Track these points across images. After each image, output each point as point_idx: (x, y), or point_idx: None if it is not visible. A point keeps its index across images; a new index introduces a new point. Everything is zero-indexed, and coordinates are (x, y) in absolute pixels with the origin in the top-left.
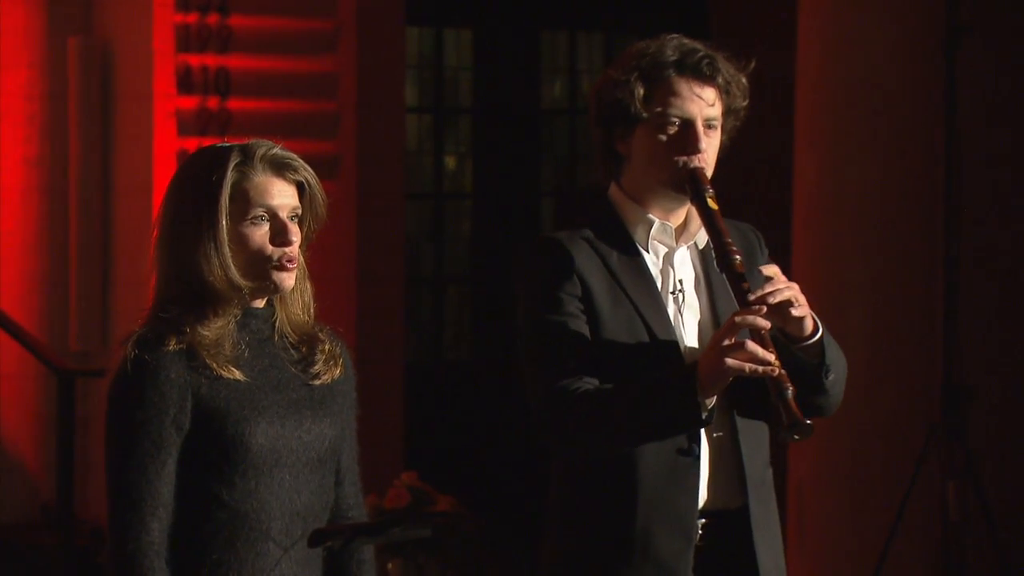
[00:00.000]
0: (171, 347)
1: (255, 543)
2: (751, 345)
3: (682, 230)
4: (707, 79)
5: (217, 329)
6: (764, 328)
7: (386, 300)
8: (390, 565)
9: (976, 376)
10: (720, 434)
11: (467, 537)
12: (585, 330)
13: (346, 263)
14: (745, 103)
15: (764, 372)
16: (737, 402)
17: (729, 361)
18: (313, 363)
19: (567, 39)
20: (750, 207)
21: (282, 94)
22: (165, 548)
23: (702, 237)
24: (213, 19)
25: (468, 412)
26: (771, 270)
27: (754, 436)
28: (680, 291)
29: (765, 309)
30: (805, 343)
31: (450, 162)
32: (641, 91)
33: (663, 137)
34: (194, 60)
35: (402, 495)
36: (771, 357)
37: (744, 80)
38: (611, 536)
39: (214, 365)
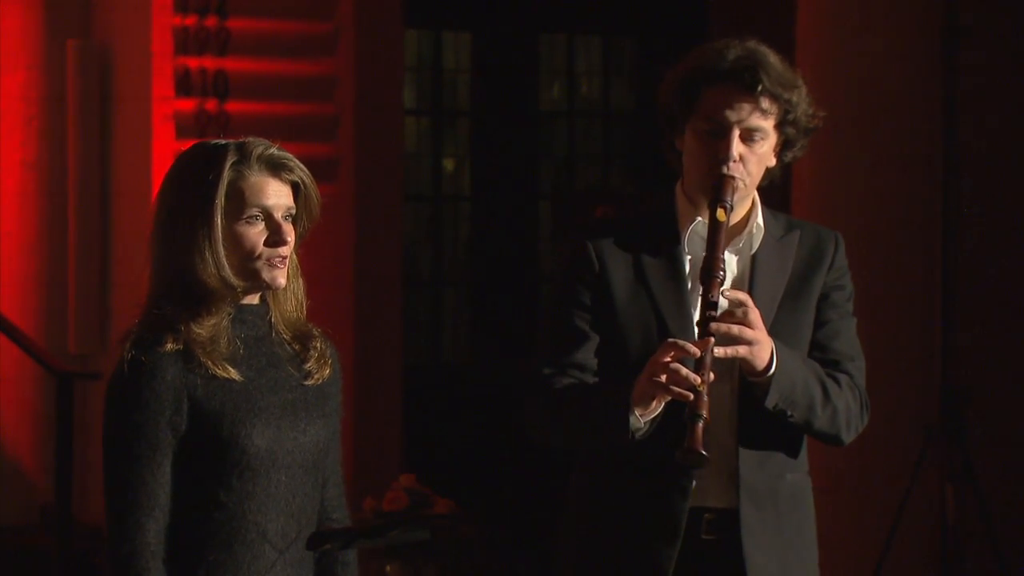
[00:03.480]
0: (167, 348)
1: (252, 544)
2: (675, 366)
3: (732, 234)
4: (748, 88)
5: (211, 327)
6: (693, 355)
7: (384, 302)
8: (388, 568)
9: (974, 379)
10: (723, 441)
11: (465, 540)
12: (590, 326)
13: (344, 265)
14: (806, 112)
15: (680, 396)
16: (746, 414)
17: (655, 381)
18: (306, 360)
19: (566, 42)
20: None
21: (280, 96)
22: (162, 549)
23: (754, 243)
24: (211, 21)
25: (466, 415)
26: (737, 296)
27: (762, 445)
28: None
29: (711, 340)
30: (757, 378)
31: (448, 165)
32: (686, 95)
33: (701, 142)
34: (192, 62)
35: (400, 498)
36: (694, 380)
37: (804, 92)
38: (599, 531)
39: (210, 364)
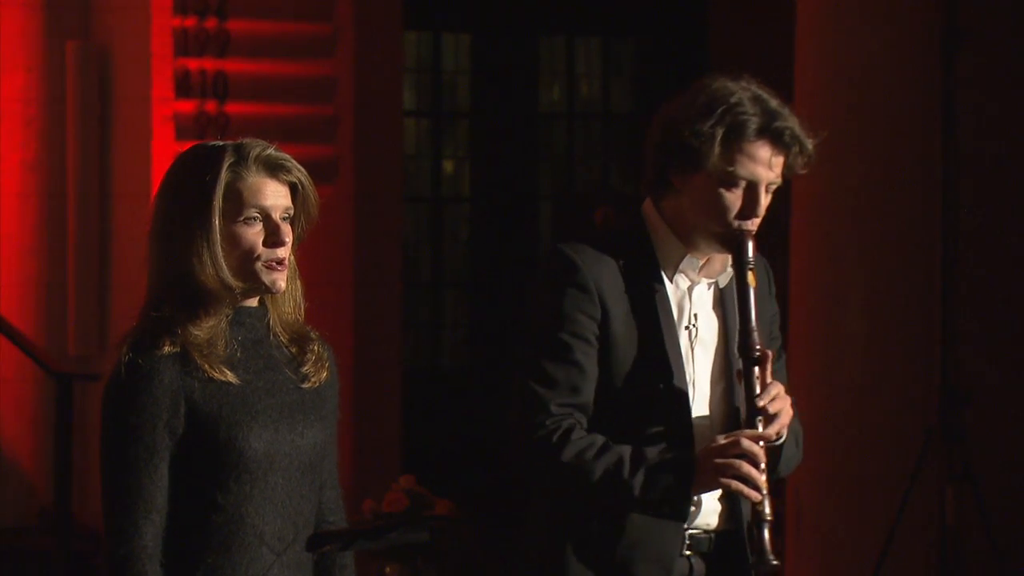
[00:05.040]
0: (165, 350)
1: (249, 547)
2: (747, 468)
3: (705, 266)
4: (784, 148)
5: (209, 328)
6: (762, 459)
7: (384, 304)
8: (388, 569)
9: (974, 379)
10: None
11: (465, 541)
12: (592, 357)
13: (344, 267)
14: (803, 172)
15: (750, 496)
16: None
17: (723, 480)
18: (303, 363)
19: (565, 44)
20: None
21: (280, 98)
22: (159, 552)
23: (724, 278)
24: (211, 23)
25: (466, 416)
26: (777, 388)
27: None
28: (694, 326)
29: (771, 432)
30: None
31: (448, 166)
32: (719, 147)
33: (725, 194)
34: (192, 64)
35: (400, 499)
36: (762, 483)
37: (811, 149)
38: (591, 562)
39: (207, 367)
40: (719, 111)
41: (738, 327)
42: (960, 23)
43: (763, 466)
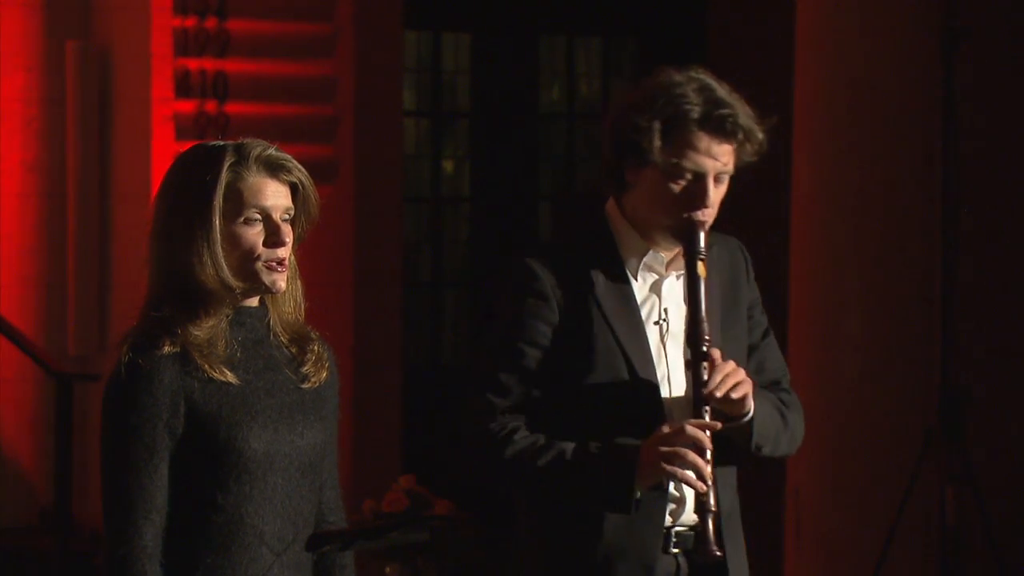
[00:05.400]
0: (165, 350)
1: (249, 547)
2: (692, 457)
3: (674, 260)
4: (727, 136)
5: (209, 328)
6: (705, 444)
7: (384, 304)
8: (388, 569)
9: (974, 379)
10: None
11: (465, 541)
12: (545, 362)
13: (344, 267)
14: (755, 159)
15: (694, 486)
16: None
17: (668, 469)
18: (303, 363)
19: (565, 43)
20: (748, 211)
21: (280, 98)
22: (159, 552)
23: None
24: (211, 23)
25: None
26: (725, 370)
27: (724, 471)
28: (665, 320)
29: (718, 424)
30: (736, 422)
31: (448, 166)
32: (659, 140)
33: (673, 187)
34: (192, 64)
35: (400, 499)
36: (707, 472)
37: (761, 135)
38: (573, 567)
39: (207, 367)
40: (660, 103)
41: (687, 316)
42: (960, 24)
43: (708, 455)
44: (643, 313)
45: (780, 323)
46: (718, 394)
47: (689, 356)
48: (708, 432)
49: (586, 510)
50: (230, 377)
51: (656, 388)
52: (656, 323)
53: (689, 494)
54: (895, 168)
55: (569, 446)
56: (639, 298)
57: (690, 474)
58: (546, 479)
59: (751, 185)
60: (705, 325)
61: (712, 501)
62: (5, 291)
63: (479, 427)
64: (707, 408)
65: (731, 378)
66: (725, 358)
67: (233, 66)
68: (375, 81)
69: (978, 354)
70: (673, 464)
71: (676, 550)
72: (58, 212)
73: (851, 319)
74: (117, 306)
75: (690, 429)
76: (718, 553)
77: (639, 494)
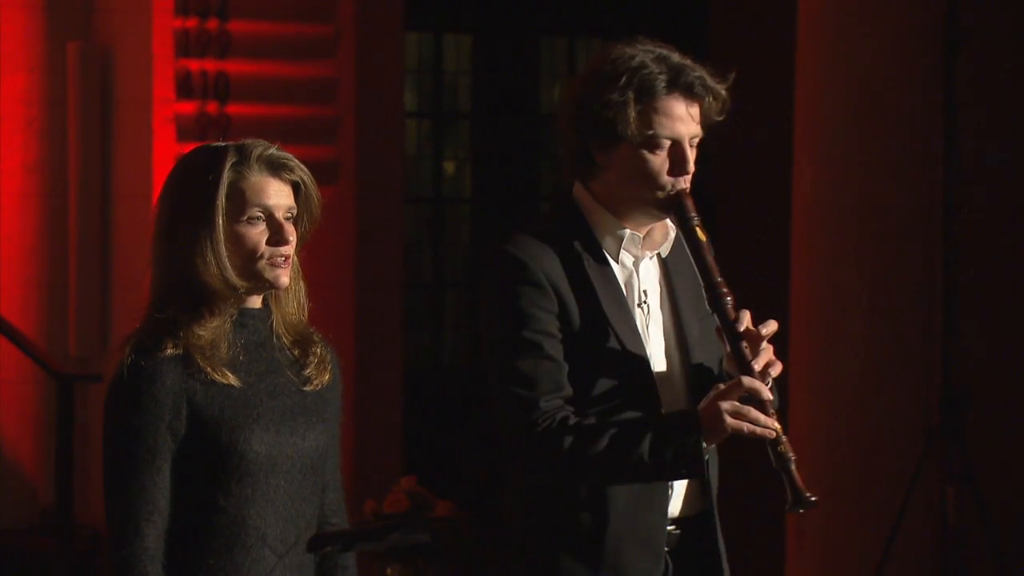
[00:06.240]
0: (167, 352)
1: (251, 549)
2: (755, 413)
3: (647, 239)
4: (697, 98)
5: (213, 329)
6: (769, 399)
7: (385, 305)
8: (389, 570)
9: (974, 379)
10: None
11: (466, 542)
12: (560, 350)
13: (345, 268)
14: (721, 119)
15: (764, 435)
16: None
17: (732, 423)
18: (306, 365)
19: (566, 45)
20: (748, 212)
21: (281, 99)
22: (161, 553)
23: (666, 247)
24: (213, 24)
25: (467, 417)
26: (771, 327)
27: (713, 451)
28: (645, 303)
29: (769, 378)
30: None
31: (449, 167)
32: (633, 112)
33: (652, 158)
34: (194, 65)
35: (401, 500)
36: (774, 424)
37: (725, 94)
38: (582, 555)
39: (209, 369)
40: (625, 77)
41: (703, 284)
42: (961, 25)
43: (771, 409)
44: (625, 295)
45: (781, 323)
46: (772, 372)
47: (718, 323)
48: (767, 383)
49: (652, 481)
50: (232, 380)
51: (649, 370)
52: (638, 305)
53: (679, 490)
54: (895, 168)
55: (623, 422)
56: (620, 280)
57: (754, 427)
58: (613, 459)
59: (752, 188)
60: (722, 287)
61: (790, 451)
62: (6, 292)
63: (523, 426)
64: (745, 344)
65: (766, 355)
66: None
67: (234, 67)
68: (376, 82)
69: (979, 354)
70: (737, 418)
71: (666, 548)
72: (59, 213)
73: (851, 319)
74: (118, 307)
75: (747, 380)
76: (813, 499)
77: (707, 456)
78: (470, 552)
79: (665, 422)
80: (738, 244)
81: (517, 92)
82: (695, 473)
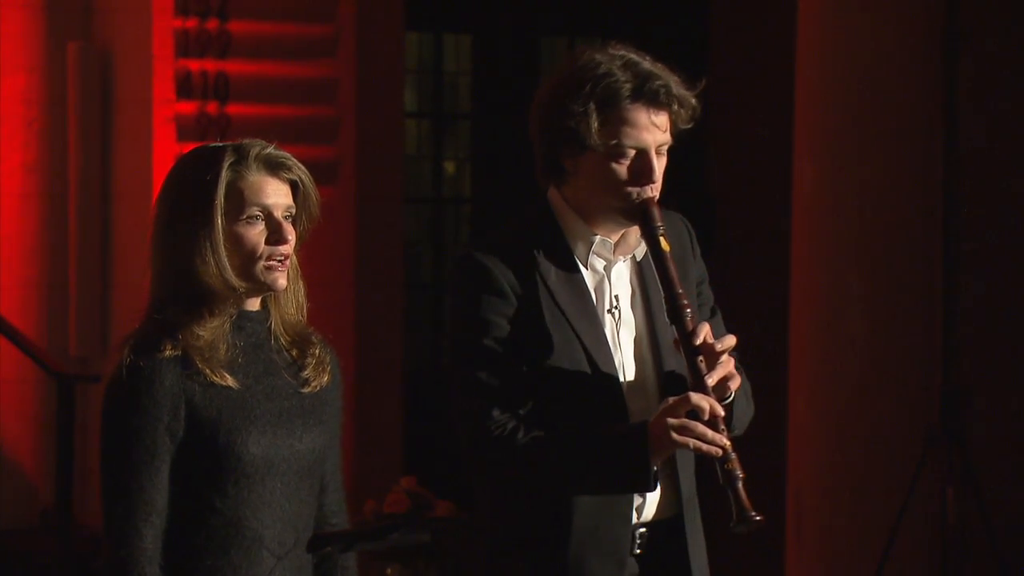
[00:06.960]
0: (166, 353)
1: (248, 551)
2: (702, 429)
3: (620, 243)
4: (662, 106)
5: (212, 329)
6: (719, 416)
7: (385, 305)
8: (389, 570)
9: (974, 379)
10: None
11: (466, 542)
12: (516, 355)
13: (345, 268)
14: (690, 126)
15: (710, 453)
16: None
17: (679, 439)
18: (304, 367)
19: (567, 45)
20: (748, 212)
21: (281, 99)
22: (159, 554)
23: (640, 250)
24: (212, 24)
25: None
26: (729, 342)
27: (686, 454)
28: (616, 308)
29: (727, 391)
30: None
31: (449, 167)
32: (596, 122)
33: (617, 167)
34: (193, 65)
35: (401, 500)
36: (722, 441)
37: (694, 102)
38: (544, 564)
39: (207, 371)
40: (588, 85)
41: (663, 295)
42: (961, 24)
43: (720, 424)
44: (595, 301)
45: (781, 323)
46: (731, 386)
47: (676, 335)
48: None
49: (601, 493)
50: (230, 381)
51: (616, 378)
52: (608, 311)
53: (652, 496)
54: (896, 168)
55: (574, 435)
56: (590, 286)
57: (700, 443)
58: (559, 470)
59: (753, 188)
60: (683, 300)
61: (737, 469)
62: (6, 292)
63: (476, 433)
64: (700, 358)
65: (722, 369)
66: (711, 334)
67: (234, 67)
68: (376, 82)
69: (979, 354)
70: (683, 434)
71: (639, 551)
72: (59, 213)
73: (851, 319)
74: (118, 307)
75: (695, 397)
76: (758, 517)
77: (655, 468)
78: (470, 552)
79: (613, 435)
80: (738, 243)
81: (517, 92)
82: (641, 488)
